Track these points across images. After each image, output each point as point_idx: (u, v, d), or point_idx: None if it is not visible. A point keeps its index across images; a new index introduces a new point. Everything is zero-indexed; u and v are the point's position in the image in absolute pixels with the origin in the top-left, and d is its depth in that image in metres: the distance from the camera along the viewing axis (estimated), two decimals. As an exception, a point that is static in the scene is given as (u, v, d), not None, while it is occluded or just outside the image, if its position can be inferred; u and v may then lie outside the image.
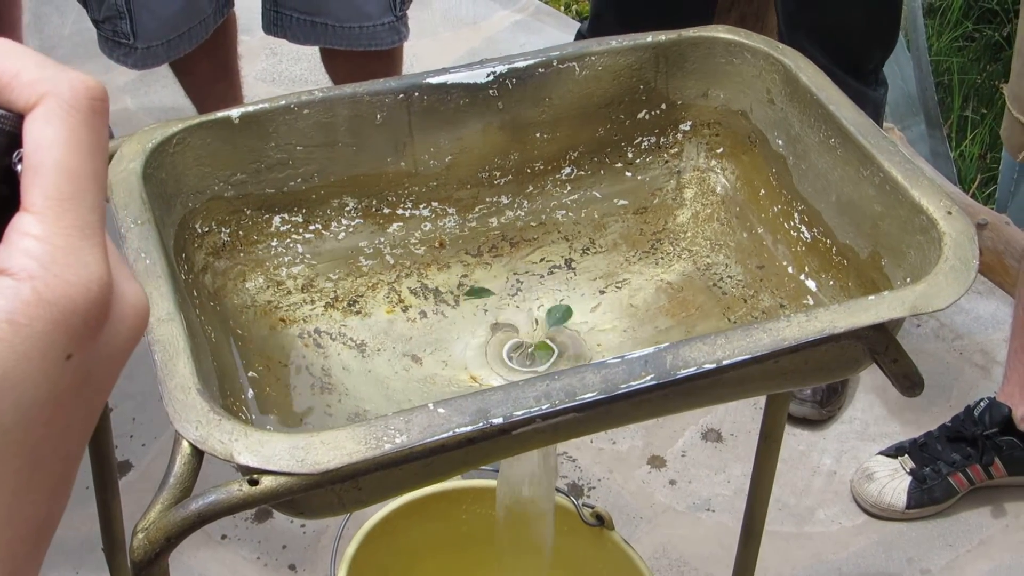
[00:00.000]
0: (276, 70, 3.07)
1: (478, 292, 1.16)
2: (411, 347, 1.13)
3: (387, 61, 2.11)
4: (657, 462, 2.13)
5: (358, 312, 1.15)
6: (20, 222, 0.36)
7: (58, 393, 0.36)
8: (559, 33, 3.25)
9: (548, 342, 1.14)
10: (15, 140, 0.37)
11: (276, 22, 2.08)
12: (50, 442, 0.36)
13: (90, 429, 0.39)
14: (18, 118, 0.37)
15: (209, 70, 2.30)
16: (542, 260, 1.21)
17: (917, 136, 2.83)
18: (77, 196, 0.36)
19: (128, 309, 0.38)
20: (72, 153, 0.36)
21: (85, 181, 0.36)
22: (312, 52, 2.39)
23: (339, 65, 2.17)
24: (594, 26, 2.25)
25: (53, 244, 0.35)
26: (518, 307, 1.17)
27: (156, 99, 2.93)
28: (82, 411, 0.38)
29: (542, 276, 1.20)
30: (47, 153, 0.36)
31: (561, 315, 1.15)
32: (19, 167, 0.36)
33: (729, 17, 2.48)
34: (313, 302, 1.14)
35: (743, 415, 2.20)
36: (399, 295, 1.17)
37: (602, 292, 1.19)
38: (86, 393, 0.37)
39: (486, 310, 1.17)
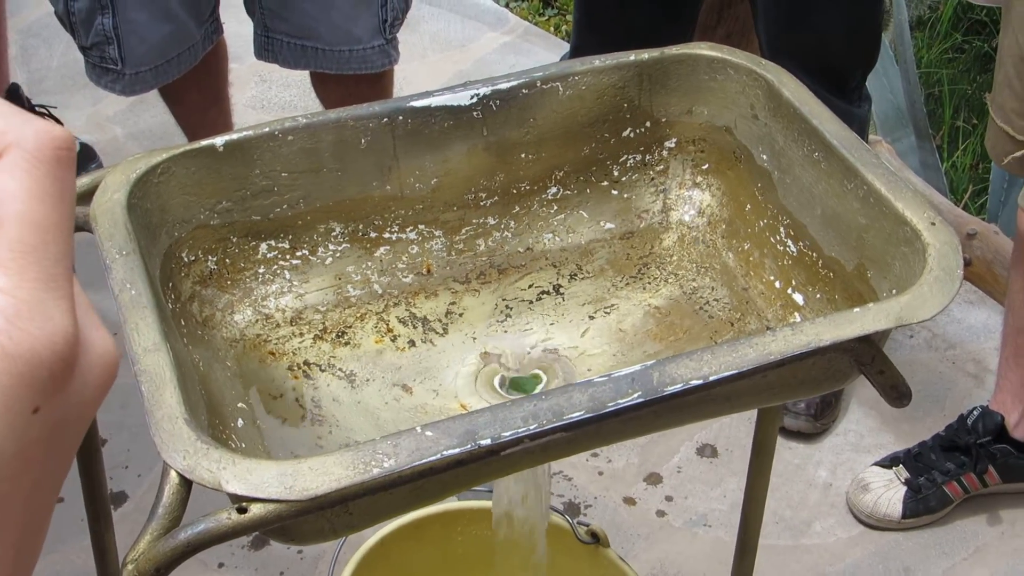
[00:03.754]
0: (265, 97, 3.07)
1: (521, 384, 1.14)
2: (401, 377, 1.13)
3: (378, 84, 2.12)
4: (653, 479, 2.13)
5: (347, 343, 1.15)
6: None
7: (25, 446, 0.35)
8: (548, 54, 3.26)
9: (538, 372, 1.14)
10: None
11: (267, 47, 2.09)
12: (19, 496, 0.36)
13: (60, 480, 0.39)
14: None
15: (199, 98, 2.30)
16: (530, 286, 1.21)
17: (907, 148, 2.83)
18: (41, 248, 0.36)
19: (96, 359, 0.38)
20: (36, 205, 0.36)
21: (50, 233, 0.36)
22: (301, 79, 2.40)
23: (330, 89, 2.17)
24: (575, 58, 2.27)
25: (17, 297, 0.35)
26: (506, 332, 1.17)
27: (145, 128, 2.94)
28: (52, 464, 0.37)
29: (531, 302, 1.20)
30: (11, 205, 0.36)
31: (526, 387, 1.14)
32: None
33: (715, 35, 2.49)
34: (302, 335, 1.14)
35: (738, 430, 2.20)
36: (387, 325, 1.17)
37: (591, 317, 1.19)
38: (55, 445, 0.37)
39: (475, 338, 1.17)
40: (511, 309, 1.19)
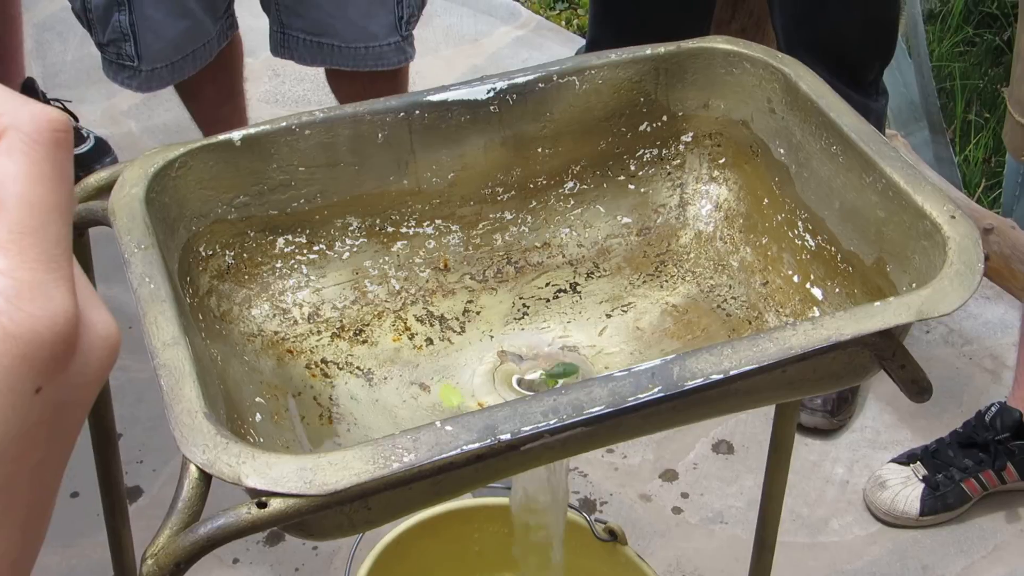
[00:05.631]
0: (279, 91, 3.08)
1: (564, 371, 1.14)
2: (418, 375, 1.13)
3: (393, 81, 2.12)
4: (669, 475, 2.12)
5: (364, 341, 1.15)
6: None
7: (29, 427, 0.36)
8: (560, 48, 3.25)
9: (572, 363, 1.14)
10: None
11: (283, 44, 2.09)
12: (23, 476, 0.36)
13: (65, 460, 0.39)
14: None
15: (215, 93, 2.30)
16: (548, 285, 1.21)
17: (920, 142, 2.82)
18: (41, 230, 0.36)
19: (97, 340, 0.38)
20: (35, 186, 0.36)
21: (49, 214, 0.36)
22: (315, 73, 2.39)
23: (345, 86, 2.17)
24: (591, 52, 2.27)
25: (18, 279, 0.35)
26: (523, 330, 1.17)
27: (160, 123, 2.94)
28: (55, 444, 0.38)
29: (548, 300, 1.20)
30: (10, 187, 0.36)
31: (562, 372, 1.14)
32: None
33: (730, 29, 2.48)
34: (320, 332, 1.14)
35: (754, 426, 2.20)
36: (405, 323, 1.17)
37: (608, 316, 1.19)
38: (58, 425, 0.37)
39: (492, 336, 1.16)
40: (528, 307, 1.19)
